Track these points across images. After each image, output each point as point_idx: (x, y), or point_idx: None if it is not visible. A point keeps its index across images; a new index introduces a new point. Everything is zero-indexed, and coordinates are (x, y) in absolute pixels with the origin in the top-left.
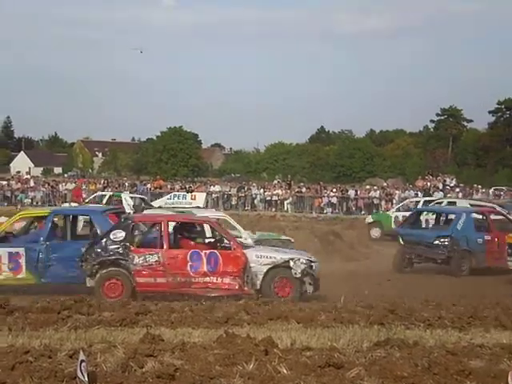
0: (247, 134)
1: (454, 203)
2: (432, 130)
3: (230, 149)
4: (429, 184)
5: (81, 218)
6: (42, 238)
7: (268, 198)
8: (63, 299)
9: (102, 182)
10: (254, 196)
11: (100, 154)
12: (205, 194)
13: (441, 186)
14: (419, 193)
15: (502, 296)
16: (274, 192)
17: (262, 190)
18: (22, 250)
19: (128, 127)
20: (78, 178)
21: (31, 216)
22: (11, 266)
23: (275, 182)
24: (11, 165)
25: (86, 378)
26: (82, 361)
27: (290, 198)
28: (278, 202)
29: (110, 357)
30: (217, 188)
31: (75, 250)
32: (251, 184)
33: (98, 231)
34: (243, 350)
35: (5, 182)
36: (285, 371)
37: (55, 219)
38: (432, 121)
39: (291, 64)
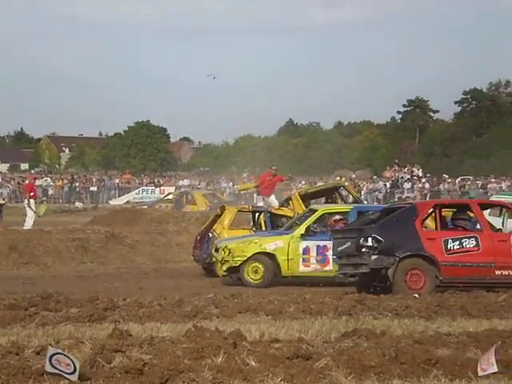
0: (216, 128)
1: None
2: (399, 121)
3: (199, 142)
4: (397, 174)
5: None
6: None
7: (237, 192)
8: (30, 296)
9: (69, 177)
10: (223, 189)
11: (67, 150)
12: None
13: (408, 177)
14: (387, 183)
15: None
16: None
17: (231, 184)
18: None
19: (95, 122)
20: (45, 173)
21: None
22: (319, 259)
23: (244, 175)
24: None
25: (72, 368)
26: (58, 353)
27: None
28: (247, 195)
29: (78, 353)
30: (186, 182)
31: None
32: (220, 177)
33: None
34: (212, 343)
35: None
36: (253, 363)
37: None
38: (399, 112)
39: (258, 55)
